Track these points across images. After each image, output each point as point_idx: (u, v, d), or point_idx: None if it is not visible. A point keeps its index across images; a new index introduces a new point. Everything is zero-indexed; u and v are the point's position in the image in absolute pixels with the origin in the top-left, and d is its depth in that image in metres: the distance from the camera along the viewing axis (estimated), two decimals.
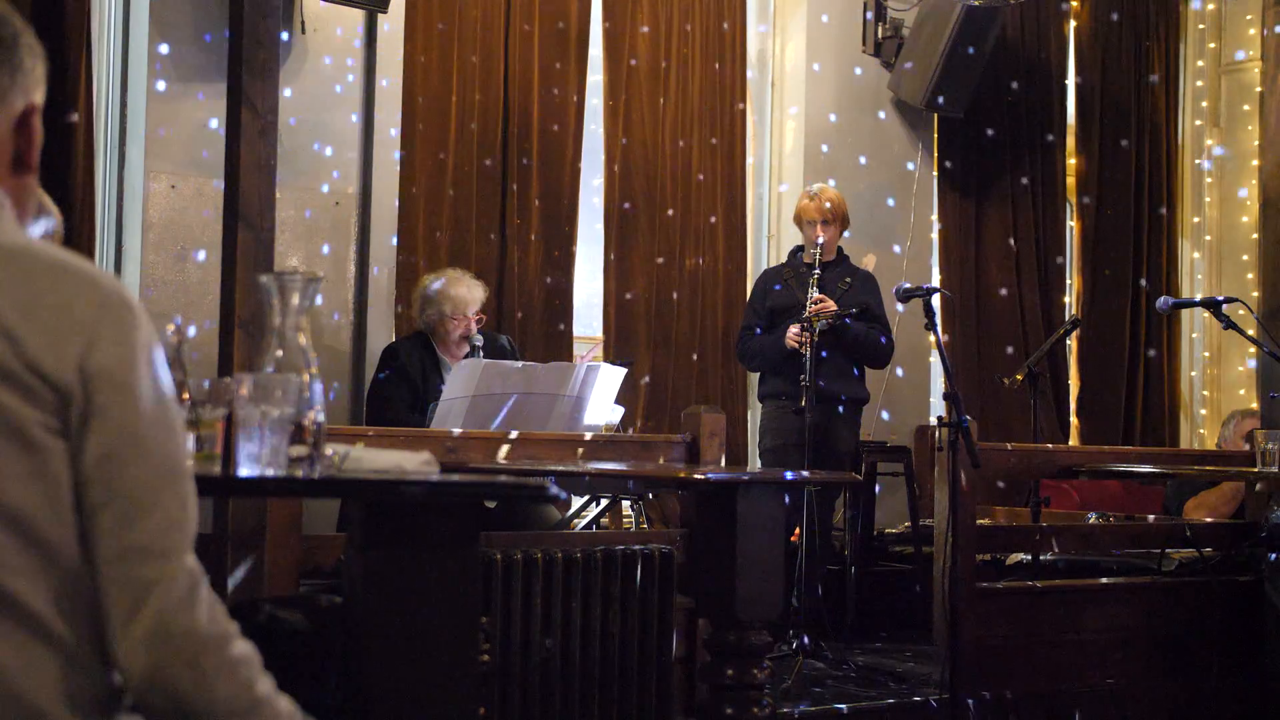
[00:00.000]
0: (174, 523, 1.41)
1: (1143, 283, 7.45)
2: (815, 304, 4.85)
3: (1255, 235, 6.44)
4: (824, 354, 4.89)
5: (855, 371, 5.10)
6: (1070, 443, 7.14)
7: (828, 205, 5.09)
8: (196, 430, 1.93)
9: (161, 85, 5.06)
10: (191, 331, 4.94)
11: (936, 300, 4.66)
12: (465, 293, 4.84)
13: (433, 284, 4.90)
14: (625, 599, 3.36)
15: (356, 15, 5.44)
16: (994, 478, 5.32)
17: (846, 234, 5.29)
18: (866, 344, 5.02)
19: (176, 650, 1.39)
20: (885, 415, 6.03)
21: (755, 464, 5.78)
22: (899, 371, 5.67)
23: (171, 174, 5.08)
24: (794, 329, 4.87)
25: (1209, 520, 5.32)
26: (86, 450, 1.39)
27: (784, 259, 5.70)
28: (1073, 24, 7.44)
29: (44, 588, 1.37)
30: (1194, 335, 7.92)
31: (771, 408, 5.10)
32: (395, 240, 5.51)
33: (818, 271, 4.97)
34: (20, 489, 1.36)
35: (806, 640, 4.62)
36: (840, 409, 5.00)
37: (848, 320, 4.93)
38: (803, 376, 4.73)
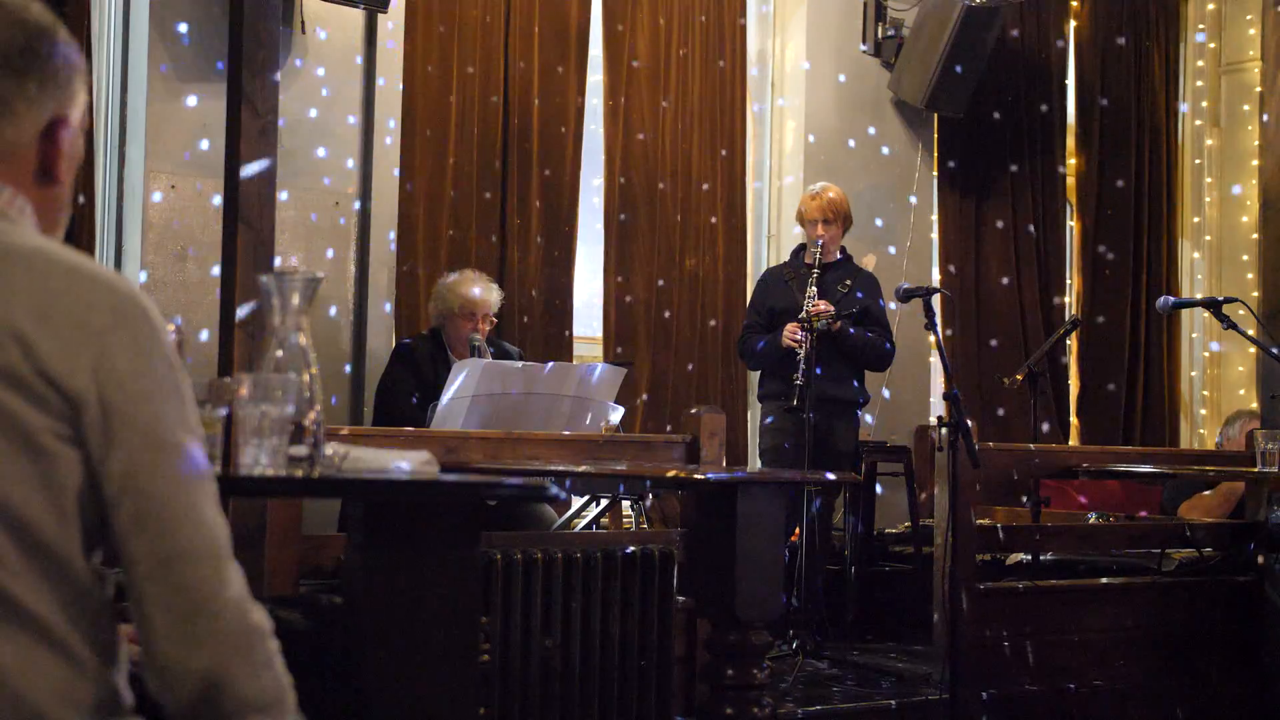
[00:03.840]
0: (214, 524, 1.43)
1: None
2: (812, 308, 4.85)
3: (1255, 235, 6.44)
4: (823, 358, 4.89)
5: (854, 373, 5.10)
6: (1070, 443, 7.14)
7: (829, 204, 5.09)
8: None
9: (161, 85, 5.06)
10: (202, 335, 4.94)
11: (936, 300, 4.66)
12: (478, 295, 4.85)
13: (448, 281, 4.94)
14: (625, 599, 3.36)
15: (356, 15, 5.44)
16: (994, 478, 5.32)
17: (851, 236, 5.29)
18: (865, 350, 5.02)
19: (236, 644, 1.41)
20: (869, 419, 6.02)
21: (755, 464, 5.78)
22: (886, 379, 5.64)
23: (171, 174, 5.08)
24: (791, 327, 4.87)
25: (1209, 520, 5.31)
26: (114, 463, 1.39)
27: (784, 259, 5.69)
28: (1073, 24, 7.44)
29: (47, 592, 1.37)
30: (1194, 335, 7.92)
31: (771, 408, 5.10)
32: (395, 240, 5.51)
33: (816, 271, 4.97)
34: (26, 494, 1.36)
35: (806, 640, 4.63)
36: (840, 410, 5.00)
37: (850, 328, 4.92)
38: (796, 375, 4.73)
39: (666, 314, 6.10)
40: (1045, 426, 6.10)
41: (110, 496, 1.39)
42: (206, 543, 1.41)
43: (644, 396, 5.99)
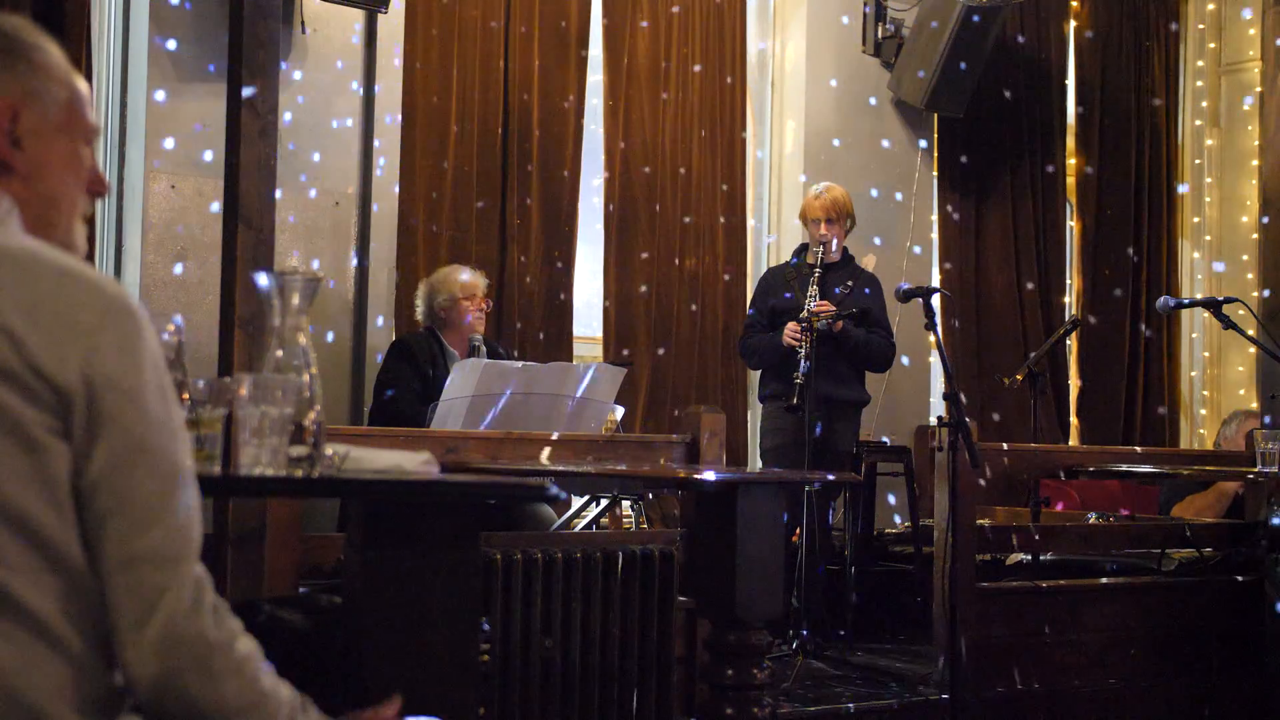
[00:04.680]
0: (181, 529, 1.42)
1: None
2: (814, 308, 4.85)
3: (1255, 235, 6.44)
4: (824, 358, 4.88)
5: (854, 374, 5.10)
6: (1070, 443, 7.14)
7: (833, 203, 5.08)
8: (196, 430, 1.93)
9: (162, 85, 5.06)
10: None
11: (936, 300, 4.66)
12: (470, 278, 4.93)
13: (438, 274, 4.99)
14: (625, 599, 3.35)
15: (356, 15, 5.44)
16: (994, 478, 5.32)
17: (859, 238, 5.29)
18: (866, 350, 5.02)
19: (187, 655, 1.40)
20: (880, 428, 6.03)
21: (755, 464, 5.78)
22: (886, 379, 5.64)
23: (171, 174, 5.08)
24: (792, 327, 4.87)
25: (1209, 520, 5.31)
26: (94, 458, 1.39)
27: (785, 259, 5.68)
28: (1073, 24, 7.44)
29: (45, 588, 1.37)
30: (1194, 335, 7.92)
31: (771, 408, 5.09)
32: (395, 240, 5.51)
33: (819, 271, 4.97)
34: (21, 488, 1.37)
35: (807, 640, 4.62)
36: (840, 410, 5.00)
37: (846, 325, 4.91)
38: (796, 374, 4.73)
39: (666, 314, 6.10)
40: (1045, 427, 6.09)
41: (84, 491, 1.39)
42: (171, 548, 1.41)
43: (644, 396, 5.99)
